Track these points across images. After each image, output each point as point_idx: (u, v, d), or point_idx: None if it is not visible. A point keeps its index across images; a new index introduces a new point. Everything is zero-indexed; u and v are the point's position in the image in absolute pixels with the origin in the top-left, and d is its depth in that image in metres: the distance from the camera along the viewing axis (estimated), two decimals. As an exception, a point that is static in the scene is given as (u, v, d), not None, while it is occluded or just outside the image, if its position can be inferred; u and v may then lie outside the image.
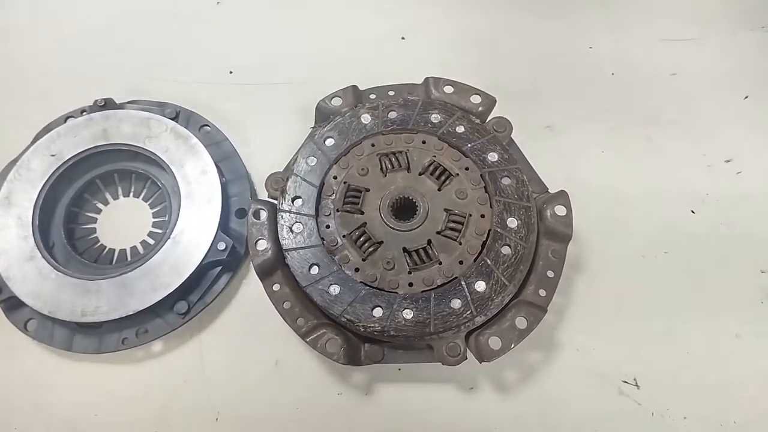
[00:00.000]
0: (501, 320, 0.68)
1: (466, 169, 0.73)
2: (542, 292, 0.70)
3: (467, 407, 0.78)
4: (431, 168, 0.73)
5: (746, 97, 0.94)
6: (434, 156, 0.73)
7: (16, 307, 0.80)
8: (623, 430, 0.76)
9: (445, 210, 0.71)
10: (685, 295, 0.82)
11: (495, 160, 0.72)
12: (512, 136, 0.77)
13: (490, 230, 0.70)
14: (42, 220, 0.82)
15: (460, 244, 0.70)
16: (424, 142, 0.74)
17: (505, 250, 0.68)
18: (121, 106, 0.90)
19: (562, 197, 0.73)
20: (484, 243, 0.69)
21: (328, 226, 0.71)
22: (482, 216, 0.71)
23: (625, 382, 0.78)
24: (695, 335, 0.80)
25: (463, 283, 0.67)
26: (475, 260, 0.69)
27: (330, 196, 0.72)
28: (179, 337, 0.82)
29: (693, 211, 0.87)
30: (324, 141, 0.74)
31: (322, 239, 0.70)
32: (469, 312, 0.66)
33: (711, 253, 0.85)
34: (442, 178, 0.72)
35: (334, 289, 0.67)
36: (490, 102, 0.78)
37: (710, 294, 0.82)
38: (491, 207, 0.71)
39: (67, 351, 0.79)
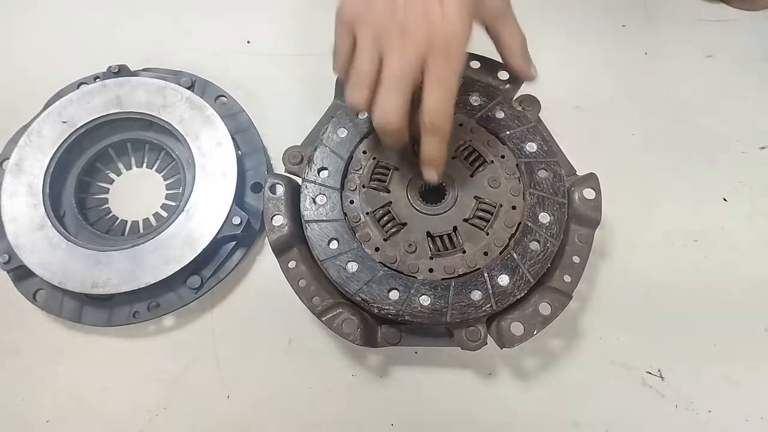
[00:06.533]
0: (524, 306, 0.65)
1: (502, 157, 0.70)
2: (567, 278, 0.67)
3: (485, 393, 0.76)
4: (465, 152, 0.70)
5: (784, 82, 0.91)
6: (470, 140, 0.70)
7: (26, 277, 0.78)
8: (645, 422, 0.74)
9: (475, 197, 0.68)
10: (714, 286, 0.80)
11: (533, 150, 0.69)
12: (540, 115, 0.73)
13: (520, 223, 0.67)
14: (53, 189, 0.80)
15: (487, 234, 0.67)
16: (460, 125, 0.71)
17: (534, 245, 0.65)
18: (135, 74, 0.87)
19: (591, 180, 0.70)
20: (513, 236, 0.67)
21: (352, 202, 0.68)
22: (513, 207, 0.68)
23: (649, 372, 0.76)
24: (723, 327, 0.78)
25: (486, 275, 0.64)
26: (500, 253, 0.66)
27: (357, 170, 0.69)
28: (191, 312, 0.80)
29: (725, 199, 0.84)
30: (357, 113, 0.71)
31: (345, 214, 0.67)
32: (488, 306, 0.63)
33: (742, 242, 0.82)
34: (476, 164, 0.69)
35: (352, 266, 0.65)
36: (518, 79, 0.74)
37: (740, 285, 0.80)
38: (524, 199, 0.68)
39: (76, 323, 0.78)
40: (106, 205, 0.87)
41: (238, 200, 0.79)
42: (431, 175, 0.63)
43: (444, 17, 0.54)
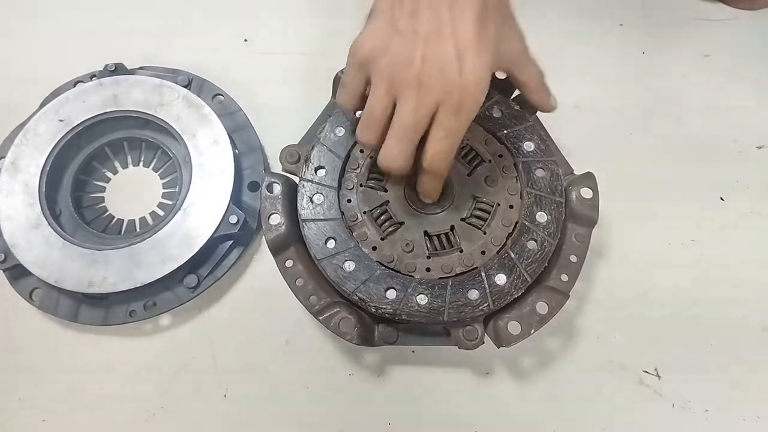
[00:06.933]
0: (521, 305, 0.65)
1: (500, 156, 0.70)
2: (564, 277, 0.67)
3: (482, 392, 0.76)
4: (462, 151, 0.70)
5: (781, 81, 0.91)
6: (467, 139, 0.70)
7: (22, 276, 0.78)
8: (642, 421, 0.74)
9: (473, 196, 0.68)
10: (711, 285, 0.80)
11: (531, 149, 0.69)
12: (537, 114, 0.73)
13: (517, 222, 0.67)
14: (49, 187, 0.79)
15: (485, 233, 0.67)
16: None
17: (531, 245, 0.65)
18: (132, 72, 0.87)
19: (589, 179, 0.70)
20: (510, 235, 0.67)
21: (349, 201, 0.68)
22: (511, 207, 0.68)
23: (646, 372, 0.76)
24: (720, 327, 0.78)
25: (483, 274, 0.64)
26: (498, 252, 0.66)
27: (355, 169, 0.69)
28: (188, 311, 0.80)
29: (722, 198, 0.84)
30: (354, 112, 0.71)
31: (342, 213, 0.67)
32: (486, 305, 0.63)
33: (740, 242, 0.82)
34: (473, 162, 0.69)
35: (349, 266, 0.65)
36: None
37: (737, 284, 0.80)
38: (521, 198, 0.68)
39: (72, 322, 0.77)
40: (103, 204, 0.86)
41: (235, 199, 0.79)
42: (426, 200, 0.67)
43: (461, 75, 0.54)
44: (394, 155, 0.58)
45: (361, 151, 0.70)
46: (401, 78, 0.56)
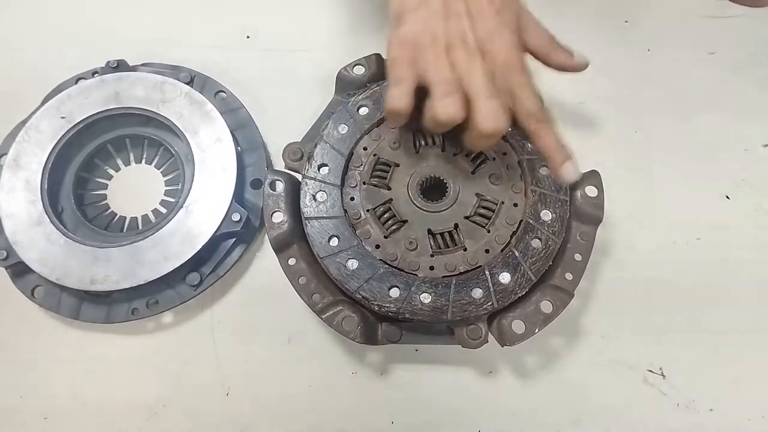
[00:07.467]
0: (525, 303, 0.65)
1: (504, 154, 0.69)
2: (569, 276, 0.67)
3: (485, 391, 0.75)
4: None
5: (788, 79, 0.90)
6: None
7: (23, 273, 0.77)
8: (647, 421, 0.74)
9: (477, 195, 0.68)
10: (716, 284, 0.79)
11: None
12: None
13: (521, 221, 0.66)
14: (51, 185, 0.79)
15: (489, 231, 0.66)
16: None
17: (535, 243, 0.65)
18: (134, 69, 0.86)
19: (594, 178, 0.69)
20: (514, 233, 0.66)
21: (352, 198, 0.68)
22: (515, 205, 0.67)
23: (651, 371, 0.76)
24: (725, 325, 0.77)
25: (487, 272, 0.64)
26: (502, 250, 0.66)
27: (358, 167, 0.69)
28: (190, 309, 0.80)
29: (728, 197, 0.83)
30: (357, 109, 0.70)
31: (345, 211, 0.67)
32: (489, 303, 0.63)
33: (745, 240, 0.81)
34: (478, 160, 0.69)
35: (352, 264, 0.65)
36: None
37: (742, 283, 0.79)
38: (526, 196, 0.68)
39: (74, 320, 0.77)
40: (105, 201, 0.86)
41: (238, 197, 0.78)
42: (573, 171, 0.61)
43: (511, 38, 0.60)
44: (497, 115, 0.59)
45: (365, 149, 0.69)
46: (462, 53, 0.59)
